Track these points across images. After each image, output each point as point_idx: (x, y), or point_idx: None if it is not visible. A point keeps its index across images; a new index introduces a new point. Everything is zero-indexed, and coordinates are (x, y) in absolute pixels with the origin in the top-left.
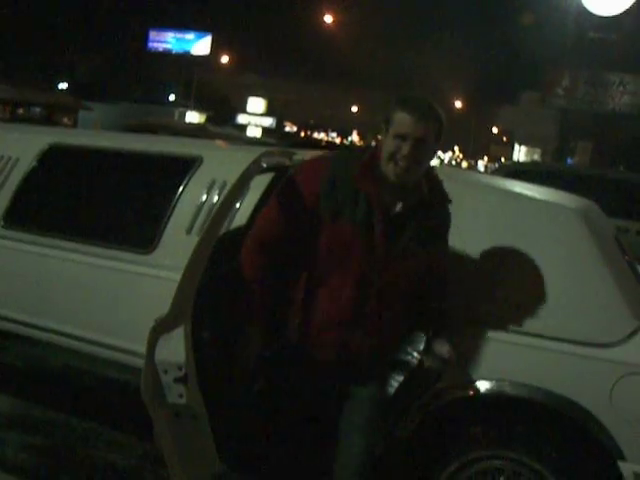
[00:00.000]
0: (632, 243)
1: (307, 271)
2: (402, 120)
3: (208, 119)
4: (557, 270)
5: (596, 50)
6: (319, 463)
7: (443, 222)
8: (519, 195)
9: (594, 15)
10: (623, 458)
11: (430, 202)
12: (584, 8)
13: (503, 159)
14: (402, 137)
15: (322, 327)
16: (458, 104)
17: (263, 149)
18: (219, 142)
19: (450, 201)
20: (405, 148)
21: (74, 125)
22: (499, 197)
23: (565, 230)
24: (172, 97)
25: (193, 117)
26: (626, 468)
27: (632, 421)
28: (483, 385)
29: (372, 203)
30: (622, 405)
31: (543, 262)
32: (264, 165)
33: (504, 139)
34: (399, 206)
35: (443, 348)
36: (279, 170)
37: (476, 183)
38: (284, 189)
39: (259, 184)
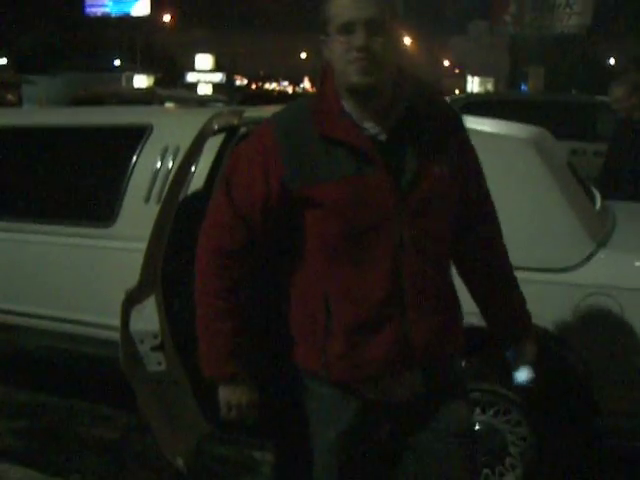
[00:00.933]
0: (589, 164)
1: (304, 268)
2: (341, 6)
3: (156, 81)
4: (511, 200)
5: None
6: None
7: (452, 128)
8: (470, 130)
9: None
10: (592, 375)
11: (422, 108)
12: None
13: (457, 91)
14: (348, 27)
15: (361, 329)
16: (406, 40)
17: (212, 111)
18: (168, 107)
19: (445, 102)
20: (358, 38)
21: (19, 101)
22: None
23: (517, 160)
24: (117, 62)
25: (141, 80)
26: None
27: (597, 340)
28: None
29: (350, 142)
30: (586, 326)
31: (498, 194)
32: (215, 127)
33: (456, 71)
34: (383, 129)
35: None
36: (230, 130)
37: None
38: (231, 175)
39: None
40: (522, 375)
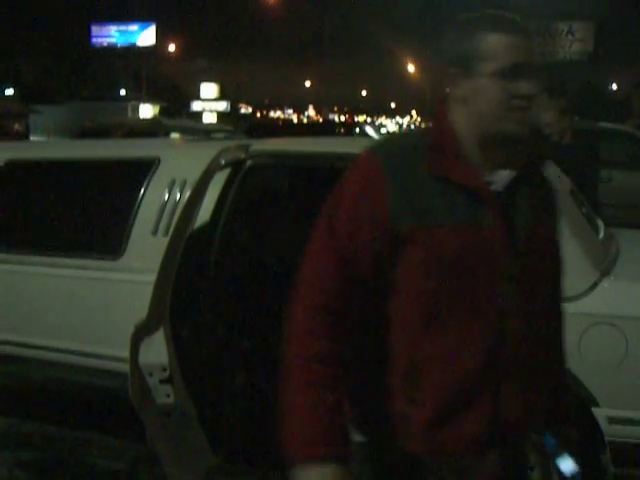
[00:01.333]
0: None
1: (390, 326)
2: (507, 46)
3: (161, 111)
4: None
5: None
6: None
7: (554, 199)
8: None
9: None
10: (596, 404)
11: (534, 166)
12: None
13: None
14: (514, 71)
15: (452, 399)
16: (411, 68)
17: (219, 144)
18: (175, 140)
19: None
20: (529, 86)
21: (26, 131)
22: None
23: None
24: (123, 92)
25: (147, 109)
26: (599, 413)
27: (601, 368)
28: None
29: (469, 186)
30: (590, 355)
31: None
32: (222, 162)
33: None
34: (499, 179)
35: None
36: (236, 165)
37: None
38: (333, 214)
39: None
40: (567, 465)
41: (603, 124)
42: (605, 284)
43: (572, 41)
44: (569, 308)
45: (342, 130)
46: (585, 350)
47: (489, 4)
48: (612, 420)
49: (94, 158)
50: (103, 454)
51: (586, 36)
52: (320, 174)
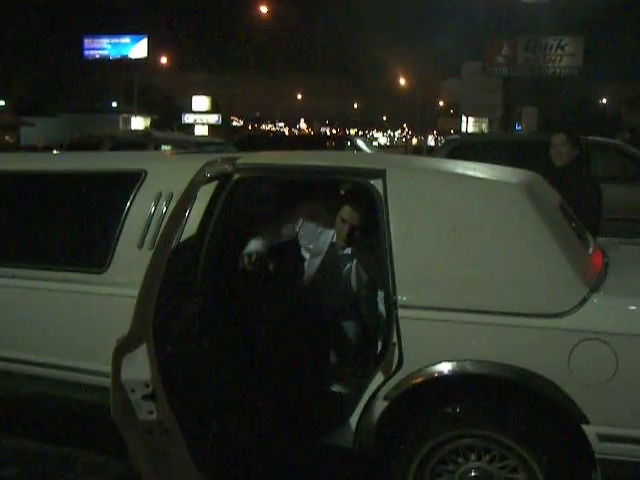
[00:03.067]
0: None
1: None
2: None
3: (153, 123)
4: (506, 247)
5: (531, 15)
6: None
7: None
8: (463, 176)
9: None
10: (586, 422)
11: None
12: None
13: (452, 131)
14: None
15: None
16: (402, 81)
17: (206, 157)
18: (162, 153)
19: None
20: None
21: (17, 142)
22: (444, 180)
23: (510, 206)
24: (114, 104)
25: (138, 122)
26: (590, 430)
27: (591, 385)
28: (445, 366)
29: None
30: (580, 371)
31: (491, 240)
32: (208, 175)
33: (451, 111)
34: None
35: None
36: (224, 178)
37: (420, 168)
38: None
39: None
40: None
41: (592, 138)
42: (595, 300)
43: (562, 56)
44: (558, 324)
45: (333, 143)
46: (575, 367)
47: (479, 21)
48: (602, 437)
49: (80, 170)
50: (87, 470)
51: (576, 51)
52: (307, 187)
